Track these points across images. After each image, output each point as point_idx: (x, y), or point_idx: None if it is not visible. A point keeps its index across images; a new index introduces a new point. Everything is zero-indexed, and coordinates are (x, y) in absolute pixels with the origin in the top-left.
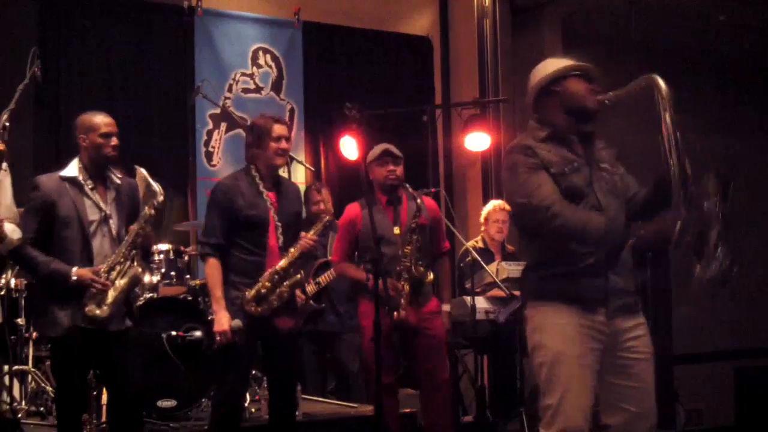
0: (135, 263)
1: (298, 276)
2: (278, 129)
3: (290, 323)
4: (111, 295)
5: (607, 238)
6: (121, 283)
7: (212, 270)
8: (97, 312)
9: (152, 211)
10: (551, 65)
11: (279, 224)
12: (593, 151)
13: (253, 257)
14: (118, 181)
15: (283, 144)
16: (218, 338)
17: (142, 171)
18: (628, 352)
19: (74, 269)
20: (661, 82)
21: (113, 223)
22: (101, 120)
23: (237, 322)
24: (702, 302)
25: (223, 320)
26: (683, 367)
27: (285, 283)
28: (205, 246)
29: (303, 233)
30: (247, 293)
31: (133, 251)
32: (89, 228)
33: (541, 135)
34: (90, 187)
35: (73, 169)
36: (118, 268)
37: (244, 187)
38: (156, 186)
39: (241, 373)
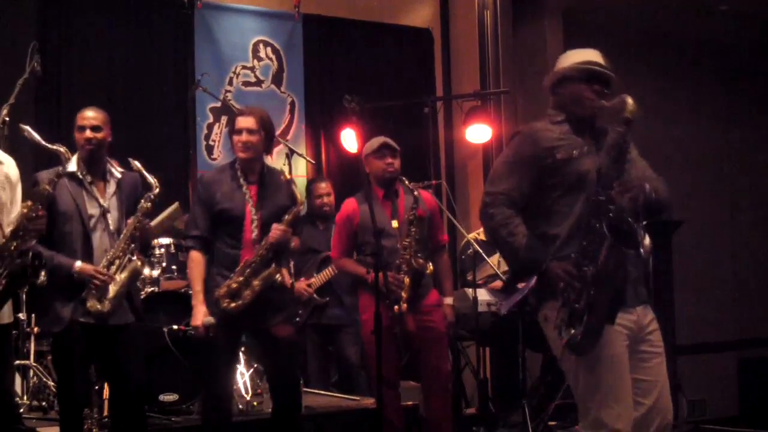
0: (134, 257)
1: (271, 270)
2: (240, 121)
3: (288, 330)
4: (112, 289)
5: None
6: (121, 277)
7: (192, 263)
8: (99, 307)
9: (148, 204)
10: (565, 59)
11: (255, 218)
12: (606, 140)
13: (230, 250)
14: (119, 175)
15: (243, 136)
16: (192, 332)
17: (137, 164)
18: (647, 345)
19: (77, 263)
20: (629, 102)
21: (111, 217)
22: (81, 114)
23: (209, 319)
24: (706, 293)
25: (197, 315)
26: (686, 358)
27: (258, 277)
28: (187, 239)
29: (274, 225)
30: (219, 290)
31: (132, 245)
32: (89, 222)
33: (557, 118)
34: (89, 181)
35: (72, 164)
36: (117, 262)
37: (225, 180)
38: (151, 179)
39: (224, 368)
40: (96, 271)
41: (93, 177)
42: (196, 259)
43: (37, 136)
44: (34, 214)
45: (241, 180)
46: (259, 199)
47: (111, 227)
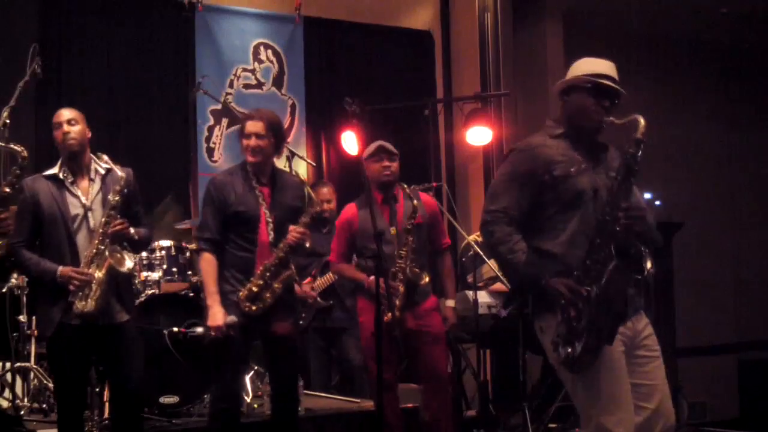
0: (109, 253)
1: (290, 271)
2: (248, 126)
3: (288, 328)
4: (95, 288)
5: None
6: (100, 275)
7: (206, 264)
8: (85, 308)
9: (116, 198)
10: (579, 67)
11: (270, 220)
12: (605, 158)
13: (244, 253)
14: (103, 171)
15: (252, 141)
16: (212, 333)
17: (105, 157)
18: (643, 350)
19: (59, 268)
20: (642, 122)
21: (93, 216)
22: (57, 113)
23: (232, 318)
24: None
25: (217, 315)
26: (687, 360)
27: (277, 279)
28: (199, 241)
29: (291, 227)
30: (240, 293)
31: (107, 241)
32: (73, 224)
33: (555, 132)
34: (70, 181)
35: (54, 167)
36: (96, 260)
37: (237, 182)
38: (119, 171)
39: (237, 368)
40: (74, 272)
41: (75, 176)
42: (209, 260)
43: None
44: None
45: (254, 182)
46: (272, 201)
47: (92, 226)
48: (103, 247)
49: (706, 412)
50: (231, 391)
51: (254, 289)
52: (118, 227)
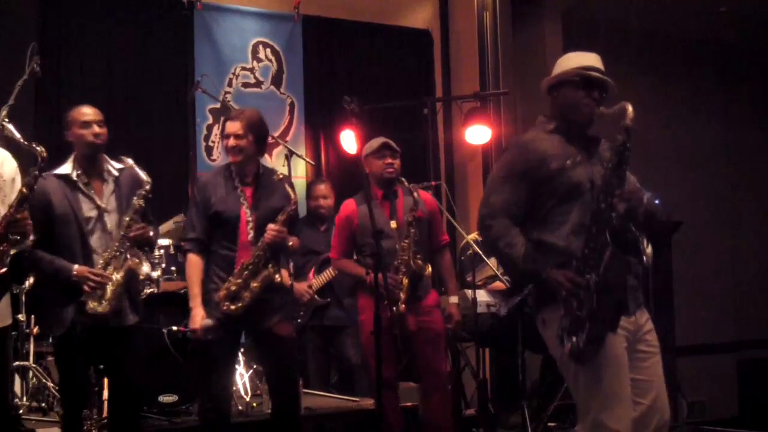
0: (130, 256)
1: (269, 270)
2: (227, 127)
3: (288, 329)
4: (110, 290)
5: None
6: (118, 277)
7: (190, 266)
8: (98, 308)
9: (141, 202)
10: (565, 62)
11: (250, 219)
12: (598, 150)
13: (226, 252)
14: (116, 173)
15: (231, 141)
16: (190, 335)
17: (129, 161)
18: (643, 345)
19: (75, 267)
20: (630, 109)
21: (109, 218)
22: (81, 111)
23: (208, 321)
24: (705, 294)
25: (196, 318)
26: (686, 359)
27: (256, 278)
28: (185, 242)
29: (268, 225)
30: (219, 294)
31: (127, 244)
32: (86, 225)
33: (548, 128)
34: (84, 182)
35: (67, 166)
36: (114, 262)
37: (220, 182)
38: (143, 175)
39: (223, 369)
40: (90, 273)
41: (89, 177)
42: (194, 261)
43: (18, 135)
44: (13, 219)
45: (236, 182)
46: (254, 201)
47: (109, 228)
48: (123, 250)
49: (705, 410)
50: (216, 391)
51: (232, 288)
52: (140, 231)
